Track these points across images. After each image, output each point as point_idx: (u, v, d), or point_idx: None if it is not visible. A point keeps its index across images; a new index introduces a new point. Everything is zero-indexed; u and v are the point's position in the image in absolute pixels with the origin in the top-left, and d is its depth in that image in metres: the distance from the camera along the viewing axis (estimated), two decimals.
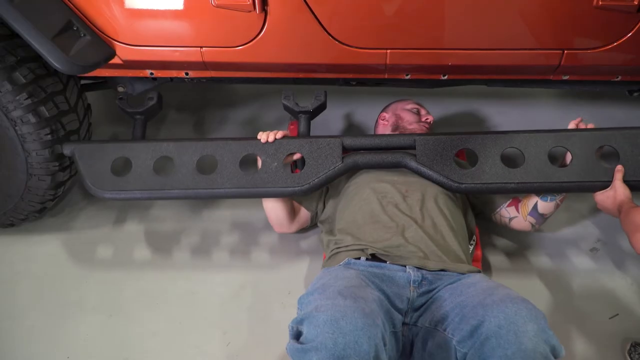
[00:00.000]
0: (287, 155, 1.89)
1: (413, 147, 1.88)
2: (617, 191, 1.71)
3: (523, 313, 1.27)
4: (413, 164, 1.85)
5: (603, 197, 1.75)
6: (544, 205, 1.90)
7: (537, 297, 1.92)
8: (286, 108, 2.06)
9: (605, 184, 1.77)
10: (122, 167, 1.96)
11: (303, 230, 2.18)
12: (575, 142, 1.84)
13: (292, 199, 2.06)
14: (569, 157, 1.85)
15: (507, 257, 2.08)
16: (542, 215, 1.92)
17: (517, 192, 1.85)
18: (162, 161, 1.92)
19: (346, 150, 1.91)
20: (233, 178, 1.87)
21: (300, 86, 2.20)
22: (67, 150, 1.93)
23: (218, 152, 1.90)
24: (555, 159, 1.87)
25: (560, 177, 1.80)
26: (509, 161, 1.88)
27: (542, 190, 1.84)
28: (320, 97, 2.04)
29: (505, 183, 1.81)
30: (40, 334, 1.87)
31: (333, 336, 1.20)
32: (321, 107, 2.07)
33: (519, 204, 1.96)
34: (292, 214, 2.06)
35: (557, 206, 1.90)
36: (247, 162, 1.90)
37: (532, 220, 1.93)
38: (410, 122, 2.11)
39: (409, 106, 2.19)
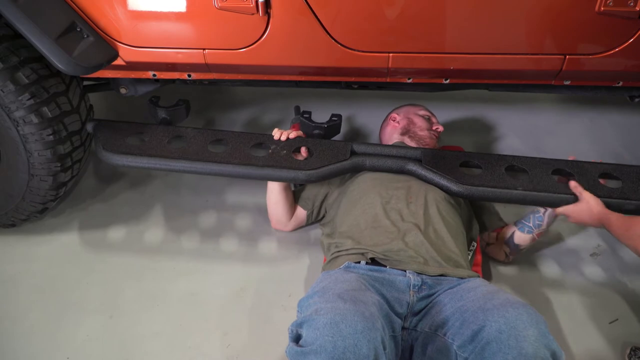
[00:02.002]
0: (296, 149, 1.96)
1: (419, 159, 1.93)
2: (590, 202, 1.74)
3: (523, 318, 1.27)
4: (418, 169, 1.89)
5: (577, 210, 1.76)
6: (521, 236, 1.94)
7: (537, 302, 1.92)
8: (301, 124, 2.15)
9: (610, 202, 1.77)
10: (136, 141, 2.01)
11: (303, 232, 2.19)
12: (578, 166, 1.89)
13: (294, 202, 2.11)
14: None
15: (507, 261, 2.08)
16: (517, 245, 1.96)
17: (521, 202, 1.86)
18: (176, 140, 2.00)
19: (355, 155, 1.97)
20: (242, 157, 1.92)
21: (303, 90, 2.22)
22: (89, 126, 2.03)
23: (231, 139, 1.99)
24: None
25: (565, 190, 1.81)
26: (513, 174, 1.91)
27: (547, 202, 1.84)
28: (336, 119, 2.14)
29: (510, 189, 1.82)
30: (40, 335, 1.87)
31: (333, 339, 1.20)
32: (335, 129, 2.17)
33: (501, 232, 2.01)
34: (291, 212, 2.11)
35: (533, 240, 1.94)
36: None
37: (507, 249, 1.98)
38: (421, 128, 2.14)
39: (422, 112, 2.21)
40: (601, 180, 1.86)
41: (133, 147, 1.95)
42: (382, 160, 1.93)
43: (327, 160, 1.92)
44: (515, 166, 1.91)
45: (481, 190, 1.83)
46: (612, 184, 1.88)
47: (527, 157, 1.94)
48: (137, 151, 1.94)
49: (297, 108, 2.38)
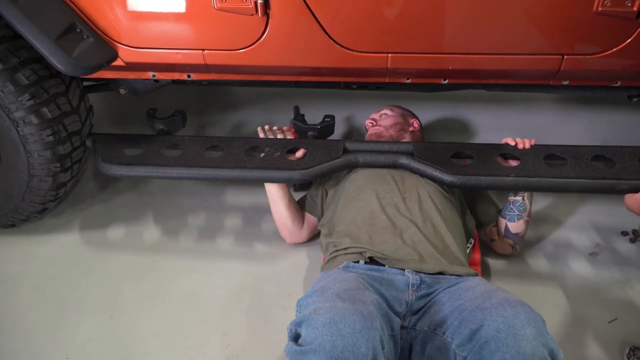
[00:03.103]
0: (290, 150, 1.99)
1: (411, 153, 1.95)
2: None
3: (521, 316, 1.27)
4: (410, 162, 1.91)
5: (632, 201, 1.79)
6: (514, 225, 1.95)
7: (536, 301, 1.89)
8: (295, 127, 2.18)
9: (603, 184, 1.80)
10: (134, 152, 2.03)
11: None
12: (570, 150, 1.90)
13: (299, 209, 2.12)
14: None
15: (506, 260, 2.08)
16: (516, 234, 1.97)
17: (514, 188, 1.88)
18: (172, 148, 2.03)
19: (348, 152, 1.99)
20: (237, 160, 1.95)
21: (302, 90, 2.23)
22: (88, 141, 2.07)
23: (226, 144, 2.02)
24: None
25: (557, 175, 1.82)
26: (506, 162, 1.93)
27: (540, 187, 1.84)
28: (329, 120, 2.17)
29: (502, 176, 1.84)
30: (40, 335, 1.87)
31: (332, 338, 1.21)
32: (329, 129, 2.19)
33: (498, 228, 2.02)
34: (300, 220, 2.10)
35: (527, 223, 1.96)
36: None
37: (510, 241, 1.99)
38: (366, 135, 2.24)
39: (367, 122, 2.28)
40: None
41: (130, 157, 1.98)
42: (374, 156, 1.95)
43: (320, 159, 1.94)
44: (507, 154, 1.92)
45: (474, 179, 1.84)
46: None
47: (516, 146, 1.94)
48: (134, 161, 1.97)
49: (297, 108, 2.39)
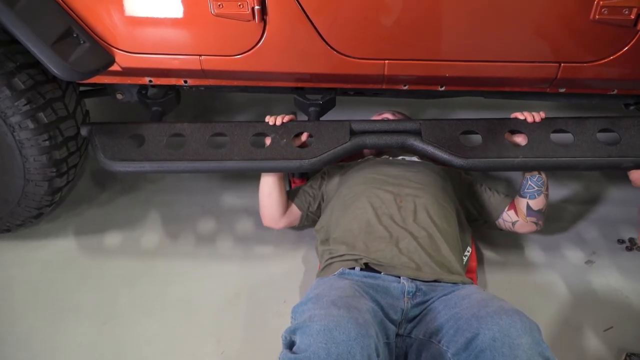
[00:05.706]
0: (295, 135, 1.94)
1: (419, 132, 1.91)
2: None
3: (517, 325, 1.27)
4: (418, 143, 1.88)
5: (637, 176, 1.84)
6: (534, 202, 1.95)
7: (532, 309, 1.91)
8: (297, 102, 2.12)
9: (609, 161, 1.81)
10: (135, 144, 1.98)
11: (298, 239, 2.20)
12: (576, 124, 1.89)
13: (286, 197, 2.09)
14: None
15: (502, 268, 2.08)
16: (538, 211, 1.96)
17: (523, 169, 1.89)
18: (175, 139, 1.96)
19: (354, 134, 1.95)
20: (243, 151, 1.90)
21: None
22: (84, 130, 1.98)
23: (229, 131, 1.96)
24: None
25: (564, 154, 1.82)
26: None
27: (549, 167, 1.85)
28: (330, 93, 2.11)
29: (511, 158, 1.83)
30: (35, 341, 1.86)
31: (326, 346, 1.20)
32: (330, 103, 2.13)
33: (517, 209, 1.99)
34: (284, 208, 2.06)
35: (546, 197, 1.96)
36: (257, 145, 1.94)
37: (533, 219, 1.97)
38: None
39: (378, 119, 2.24)
40: None
41: (133, 152, 1.93)
42: (382, 138, 1.92)
43: (328, 145, 1.90)
44: (515, 131, 1.91)
45: (484, 162, 1.83)
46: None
47: (525, 120, 1.92)
48: (138, 156, 1.91)
49: (294, 114, 2.38)
